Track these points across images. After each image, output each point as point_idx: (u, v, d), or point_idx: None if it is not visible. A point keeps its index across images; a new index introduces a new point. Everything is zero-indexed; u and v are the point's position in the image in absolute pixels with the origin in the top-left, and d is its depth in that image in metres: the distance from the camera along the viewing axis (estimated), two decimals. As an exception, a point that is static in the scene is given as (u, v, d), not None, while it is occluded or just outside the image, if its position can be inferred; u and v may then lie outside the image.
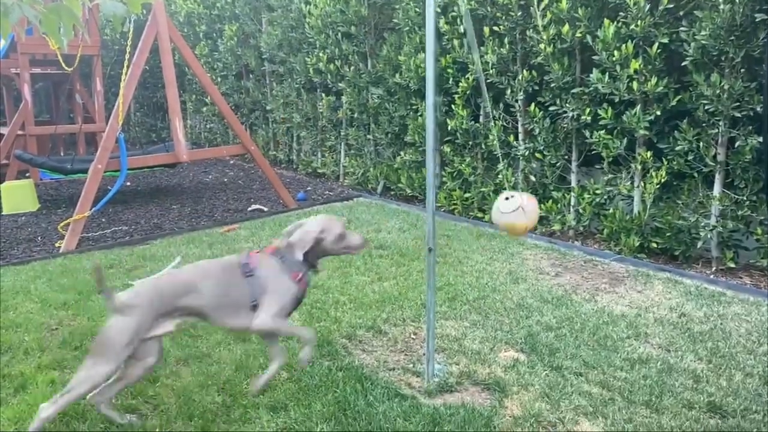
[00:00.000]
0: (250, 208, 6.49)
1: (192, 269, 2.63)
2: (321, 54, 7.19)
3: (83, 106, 9.55)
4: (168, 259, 4.61)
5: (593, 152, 4.95)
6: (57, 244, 5.19)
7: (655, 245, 4.60)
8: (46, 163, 6.93)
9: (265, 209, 6.43)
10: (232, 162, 9.48)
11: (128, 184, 7.79)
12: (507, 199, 2.75)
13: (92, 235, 5.51)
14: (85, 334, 3.35)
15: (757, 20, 3.94)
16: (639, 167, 4.66)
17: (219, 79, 9.27)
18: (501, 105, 5.57)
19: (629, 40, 4.46)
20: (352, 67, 6.91)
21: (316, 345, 2.87)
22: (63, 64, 7.02)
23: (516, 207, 2.70)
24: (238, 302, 2.50)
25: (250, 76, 8.99)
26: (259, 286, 2.51)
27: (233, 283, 2.52)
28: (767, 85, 2.43)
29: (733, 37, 4.03)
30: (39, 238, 5.48)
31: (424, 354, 3.02)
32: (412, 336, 3.34)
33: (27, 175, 7.85)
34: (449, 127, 5.83)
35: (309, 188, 7.41)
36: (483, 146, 5.76)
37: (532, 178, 5.45)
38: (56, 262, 4.65)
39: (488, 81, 5.51)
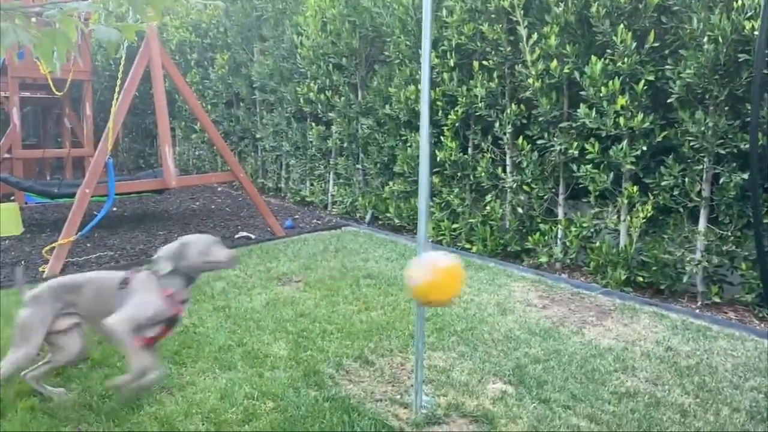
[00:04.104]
0: (237, 235, 6.46)
1: (81, 276, 2.96)
2: (312, 84, 7.26)
3: (72, 130, 9.54)
4: (153, 285, 4.56)
5: (580, 186, 5.00)
6: (41, 269, 5.12)
7: (641, 279, 4.63)
8: (33, 187, 6.88)
9: (253, 237, 6.40)
10: (219, 189, 9.47)
11: (115, 209, 7.74)
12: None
13: (77, 260, 5.45)
14: (67, 360, 3.30)
15: (740, 60, 4.04)
16: (625, 201, 4.71)
17: (209, 107, 9.30)
18: (489, 137, 5.63)
19: (616, 77, 4.55)
20: (343, 98, 6.97)
21: (141, 384, 2.68)
22: (53, 89, 7.02)
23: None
24: (107, 307, 2.72)
25: (241, 104, 9.04)
26: (124, 298, 2.73)
27: (107, 289, 2.79)
28: (754, 124, 2.49)
29: (717, 76, 4.12)
30: (23, 262, 5.41)
31: (411, 385, 3.00)
32: (400, 366, 3.31)
33: (12, 198, 7.78)
34: (438, 159, 5.88)
35: (297, 216, 7.40)
36: (471, 177, 5.81)
37: (520, 210, 5.48)
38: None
39: (477, 114, 5.58)
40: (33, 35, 2.25)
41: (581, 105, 4.77)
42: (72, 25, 2.33)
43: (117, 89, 5.52)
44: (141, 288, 2.76)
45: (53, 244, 5.23)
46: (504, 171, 5.58)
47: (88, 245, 5.97)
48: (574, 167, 4.93)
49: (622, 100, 4.51)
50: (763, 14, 2.08)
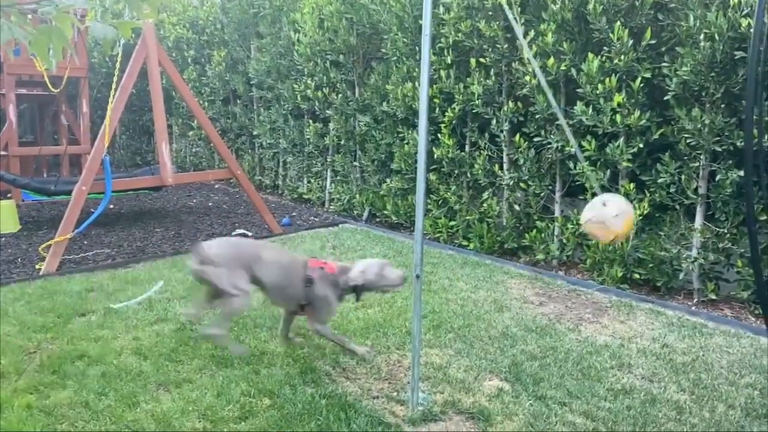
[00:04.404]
0: (234, 233, 6.46)
1: (262, 245, 3.50)
2: (309, 81, 7.25)
3: (68, 127, 9.52)
4: (150, 282, 4.56)
5: (577, 183, 5.01)
6: (37, 266, 5.12)
7: (637, 276, 4.64)
8: (29, 184, 6.86)
9: (250, 234, 6.40)
10: (217, 186, 9.46)
11: (112, 206, 7.73)
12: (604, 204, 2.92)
13: (74, 257, 5.45)
14: (64, 357, 3.30)
15: (736, 57, 4.05)
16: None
17: (206, 104, 9.29)
18: (486, 135, 5.63)
19: (613, 74, 4.55)
20: (340, 95, 6.96)
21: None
22: (49, 86, 7.00)
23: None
24: (292, 295, 3.26)
25: (238, 101, 9.03)
26: (311, 295, 3.23)
27: (294, 281, 3.24)
28: (748, 121, 2.49)
29: (713, 74, 4.12)
30: (19, 259, 5.40)
31: (408, 382, 3.00)
32: (397, 364, 3.32)
33: (9, 195, 7.76)
34: (435, 156, 5.88)
35: (294, 214, 7.40)
36: (468, 175, 5.81)
37: (517, 207, 5.49)
38: (36, 284, 4.59)
39: (474, 111, 5.58)
40: (29, 32, 2.24)
41: (578, 102, 4.77)
42: (68, 22, 2.33)
43: (114, 86, 5.51)
44: (326, 290, 3.25)
45: (50, 242, 5.22)
46: (501, 168, 5.58)
47: (85, 242, 5.96)
48: (571, 164, 4.93)
49: (618, 98, 4.51)
50: (757, 13, 2.09)
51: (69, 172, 9.18)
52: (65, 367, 3.19)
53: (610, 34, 4.51)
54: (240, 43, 8.58)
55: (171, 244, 5.98)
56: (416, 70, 5.98)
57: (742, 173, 4.05)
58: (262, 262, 3.25)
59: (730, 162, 4.18)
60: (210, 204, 8.22)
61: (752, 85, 2.33)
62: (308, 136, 7.58)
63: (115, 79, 5.52)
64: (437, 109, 5.82)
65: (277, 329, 3.71)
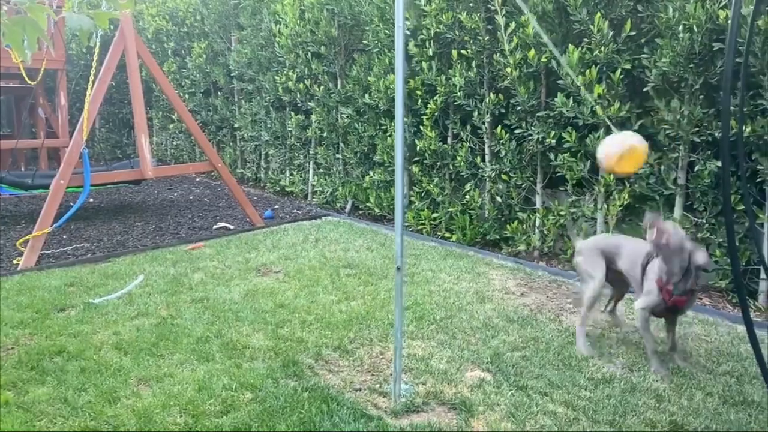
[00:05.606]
0: (215, 226, 6.42)
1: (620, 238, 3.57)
2: (290, 73, 7.21)
3: (46, 120, 9.38)
4: (131, 276, 4.52)
5: (558, 174, 5.03)
6: (15, 261, 5.05)
7: (618, 266, 4.67)
8: (6, 178, 6.75)
9: (232, 227, 6.36)
10: (198, 179, 9.38)
11: (91, 200, 7.65)
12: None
13: (53, 252, 5.38)
14: (43, 353, 3.26)
15: (714, 49, 4.08)
16: (602, 190, 4.76)
17: (187, 96, 9.20)
18: (468, 127, 5.64)
19: (593, 66, 4.57)
20: (322, 87, 6.93)
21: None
22: (26, 78, 6.89)
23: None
24: (635, 277, 3.29)
25: (219, 93, 8.95)
26: (643, 278, 3.20)
27: (637, 264, 3.26)
28: (725, 112, 2.52)
29: (692, 65, 4.16)
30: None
31: (391, 374, 3.01)
32: (379, 356, 3.32)
33: (-15, 190, 7.63)
34: (417, 148, 5.88)
35: (276, 206, 7.36)
36: (451, 167, 5.82)
37: (498, 198, 5.51)
38: (14, 279, 4.52)
39: (456, 103, 5.58)
40: (2, 23, 2.20)
41: (558, 94, 4.79)
42: (42, 12, 2.28)
43: (92, 78, 5.44)
44: (650, 276, 3.15)
45: (28, 236, 5.15)
46: (483, 160, 5.59)
47: (64, 237, 5.89)
48: (552, 156, 4.96)
49: (598, 89, 4.54)
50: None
51: (47, 165, 9.05)
52: (44, 363, 3.16)
53: (591, 26, 4.52)
54: (220, 34, 8.50)
55: (151, 238, 5.93)
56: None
57: (720, 164, 4.09)
58: (618, 250, 3.41)
59: (709, 153, 4.22)
60: (191, 197, 8.15)
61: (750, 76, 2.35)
62: (290, 129, 7.55)
63: (93, 71, 5.45)
64: (419, 101, 5.82)
65: (258, 323, 3.70)
